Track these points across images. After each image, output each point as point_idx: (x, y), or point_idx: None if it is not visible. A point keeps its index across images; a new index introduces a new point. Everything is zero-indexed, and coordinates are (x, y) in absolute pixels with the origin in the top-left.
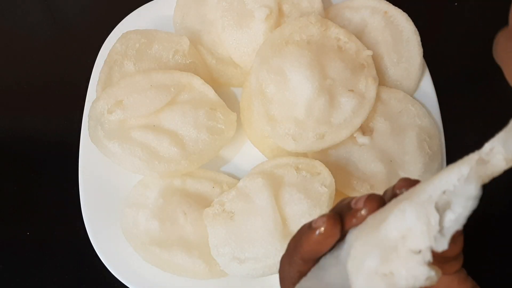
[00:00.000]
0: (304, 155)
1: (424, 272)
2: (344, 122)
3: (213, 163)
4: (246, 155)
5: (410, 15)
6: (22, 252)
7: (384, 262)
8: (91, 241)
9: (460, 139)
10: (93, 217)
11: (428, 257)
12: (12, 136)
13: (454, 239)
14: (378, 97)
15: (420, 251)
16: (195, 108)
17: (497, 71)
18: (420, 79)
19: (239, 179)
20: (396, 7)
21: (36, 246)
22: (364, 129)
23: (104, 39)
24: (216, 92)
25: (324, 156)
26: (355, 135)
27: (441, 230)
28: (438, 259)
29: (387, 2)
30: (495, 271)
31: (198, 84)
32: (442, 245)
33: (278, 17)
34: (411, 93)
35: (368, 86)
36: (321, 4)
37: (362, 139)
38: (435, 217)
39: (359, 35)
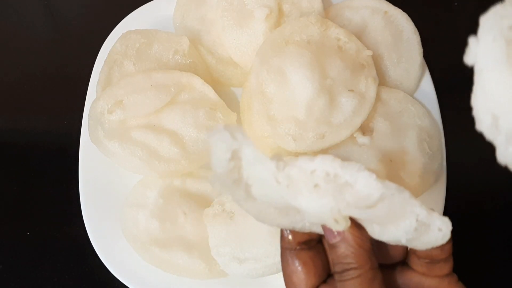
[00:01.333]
0: (304, 155)
1: (328, 204)
2: (344, 122)
3: None
4: None
5: (410, 15)
6: (22, 252)
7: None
8: (91, 241)
9: (460, 139)
10: (93, 217)
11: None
12: (12, 136)
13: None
14: (378, 97)
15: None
16: (195, 108)
17: None
18: (420, 79)
19: None
20: (396, 7)
21: (36, 246)
22: (364, 129)
23: (104, 39)
24: (216, 92)
25: None
26: (355, 135)
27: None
28: (427, 261)
29: (387, 2)
30: (495, 271)
31: (198, 84)
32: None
33: (278, 17)
34: (411, 93)
35: (368, 86)
36: (321, 4)
37: (362, 139)
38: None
39: (359, 35)
